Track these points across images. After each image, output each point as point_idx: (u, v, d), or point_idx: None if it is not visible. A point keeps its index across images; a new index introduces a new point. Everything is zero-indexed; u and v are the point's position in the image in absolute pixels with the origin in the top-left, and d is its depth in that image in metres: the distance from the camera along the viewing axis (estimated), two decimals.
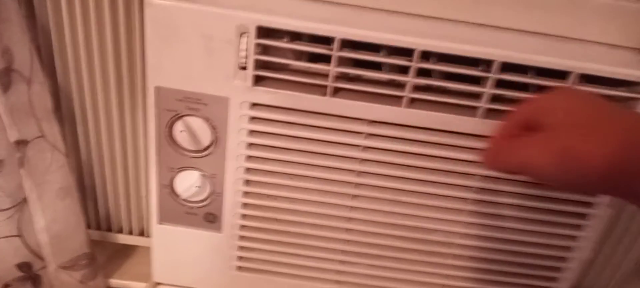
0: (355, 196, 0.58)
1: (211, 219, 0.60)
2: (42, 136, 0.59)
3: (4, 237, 0.63)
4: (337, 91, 0.52)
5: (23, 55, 0.55)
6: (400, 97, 0.52)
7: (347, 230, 0.60)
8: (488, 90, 0.51)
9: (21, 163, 0.57)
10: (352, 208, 0.58)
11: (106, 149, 0.66)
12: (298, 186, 0.57)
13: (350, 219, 0.59)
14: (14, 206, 0.61)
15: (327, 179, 0.57)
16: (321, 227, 0.60)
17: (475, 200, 0.57)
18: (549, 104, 0.38)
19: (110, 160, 0.66)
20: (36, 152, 0.59)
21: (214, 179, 0.58)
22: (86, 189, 0.69)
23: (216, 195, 0.59)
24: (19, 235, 0.63)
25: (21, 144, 0.57)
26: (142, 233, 0.73)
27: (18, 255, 0.65)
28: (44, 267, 0.67)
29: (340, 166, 0.56)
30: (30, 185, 0.59)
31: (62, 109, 0.63)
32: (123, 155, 0.66)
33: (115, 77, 0.60)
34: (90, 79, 0.61)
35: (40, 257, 0.66)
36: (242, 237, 0.61)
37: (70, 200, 0.65)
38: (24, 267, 0.66)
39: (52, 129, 0.60)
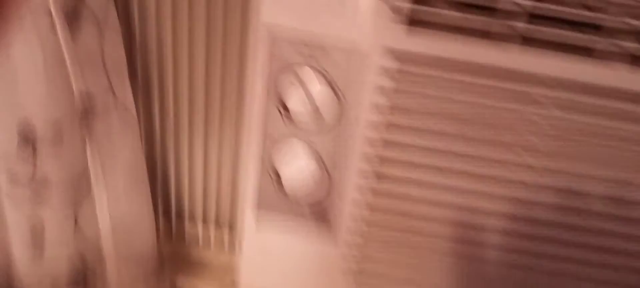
0: (524, 201, 0.40)
1: (321, 218, 0.44)
2: (112, 94, 0.44)
3: (56, 223, 0.48)
4: (525, 40, 0.35)
5: None
6: (619, 54, 0.34)
7: (504, 247, 0.42)
8: None
9: (86, 124, 0.43)
10: (517, 217, 0.41)
11: (185, 121, 0.50)
12: (446, 184, 0.40)
13: (512, 233, 0.41)
14: (71, 181, 0.47)
15: (490, 175, 0.39)
16: (468, 241, 0.42)
17: None
18: None
19: (189, 136, 0.51)
20: (104, 115, 0.44)
21: (331, 163, 0.41)
22: (157, 170, 0.54)
23: (332, 185, 0.42)
24: (74, 219, 0.49)
25: (88, 100, 0.43)
26: (218, 224, 0.57)
27: (71, 247, 0.51)
28: (100, 261, 0.52)
29: (513, 159, 0.38)
30: (95, 156, 0.45)
31: (137, 67, 0.49)
32: (204, 131, 0.51)
33: (204, 28, 0.45)
34: (174, 31, 0.46)
35: (98, 250, 0.51)
36: (360, 246, 0.44)
37: (139, 182, 0.50)
38: (78, 262, 0.52)
39: (125, 89, 0.46)
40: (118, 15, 0.44)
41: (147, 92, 0.49)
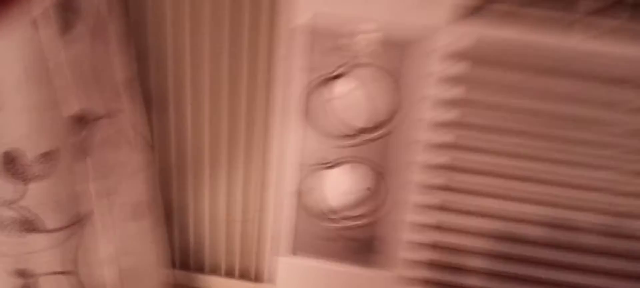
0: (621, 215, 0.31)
1: (370, 248, 0.35)
2: (117, 114, 0.37)
3: (48, 274, 0.39)
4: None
5: None
6: None
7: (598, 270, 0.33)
8: None
9: (84, 150, 0.35)
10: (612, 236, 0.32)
11: (207, 146, 0.42)
12: (520, 196, 0.32)
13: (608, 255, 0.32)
14: (67, 226, 0.38)
15: (573, 184, 0.31)
16: (550, 265, 0.33)
17: None
18: None
19: (211, 163, 0.43)
20: (107, 138, 0.37)
21: (382, 181, 0.33)
22: (171, 207, 0.46)
23: (382, 208, 0.34)
24: (71, 272, 0.40)
25: (84, 121, 0.35)
26: (246, 276, 0.47)
27: None
28: None
29: (602, 163, 0.30)
30: (97, 189, 0.37)
31: (151, 85, 0.41)
32: (228, 155, 0.43)
33: (228, 36, 0.38)
34: (193, 37, 0.39)
35: None
36: (418, 280, 0.35)
37: (150, 222, 0.42)
38: None
39: (133, 109, 0.38)
40: (128, 23, 0.37)
41: (161, 117, 0.42)
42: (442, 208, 0.33)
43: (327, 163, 0.33)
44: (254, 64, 0.39)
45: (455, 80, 0.30)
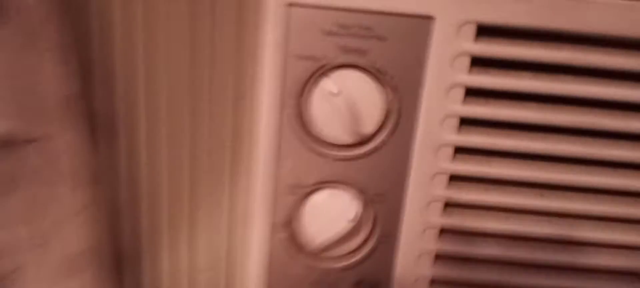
0: None
1: (364, 280, 0.29)
2: (52, 140, 0.30)
3: None
4: None
5: None
6: None
7: None
8: None
9: (9, 185, 0.28)
10: None
11: (166, 179, 0.36)
12: (534, 216, 0.27)
13: None
14: None
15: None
16: None
17: None
18: None
19: (170, 199, 0.37)
20: (39, 169, 0.30)
21: (381, 205, 0.28)
22: (122, 255, 0.38)
23: (383, 238, 0.28)
24: None
25: (8, 149, 0.28)
26: None
27: None
28: None
29: None
30: (28, 235, 0.30)
31: (96, 105, 0.35)
32: (190, 189, 0.36)
33: (189, 39, 0.33)
34: (148, 48, 0.33)
35: None
36: None
37: (94, 274, 0.34)
38: None
39: (73, 134, 0.32)
40: (69, 29, 0.31)
41: (110, 143, 0.35)
42: (443, 237, 0.28)
43: (305, 189, 0.28)
44: (220, 80, 0.34)
45: (476, 67, 0.26)
